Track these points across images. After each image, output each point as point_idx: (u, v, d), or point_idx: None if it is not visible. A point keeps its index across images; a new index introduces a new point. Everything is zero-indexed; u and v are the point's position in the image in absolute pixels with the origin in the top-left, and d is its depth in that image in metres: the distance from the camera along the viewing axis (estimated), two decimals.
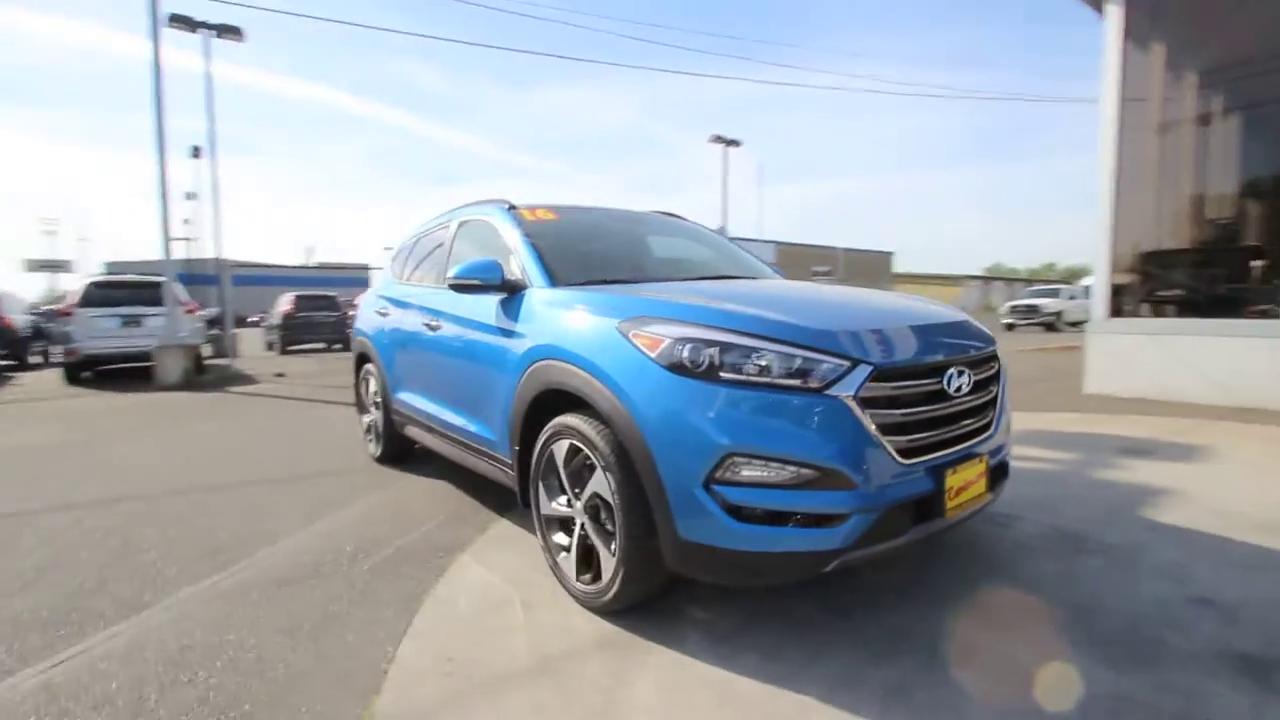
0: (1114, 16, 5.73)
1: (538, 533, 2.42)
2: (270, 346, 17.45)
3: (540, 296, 2.50)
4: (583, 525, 2.17)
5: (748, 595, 2.20)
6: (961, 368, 2.04)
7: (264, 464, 4.42)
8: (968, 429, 2.07)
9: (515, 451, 2.51)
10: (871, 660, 1.81)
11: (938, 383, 1.96)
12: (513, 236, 2.86)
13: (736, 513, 1.74)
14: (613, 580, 2.01)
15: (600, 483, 2.03)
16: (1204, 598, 2.09)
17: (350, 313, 20.23)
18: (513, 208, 3.10)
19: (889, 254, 56.24)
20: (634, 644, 1.95)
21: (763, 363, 1.78)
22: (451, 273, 2.72)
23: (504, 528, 3.00)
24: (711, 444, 1.75)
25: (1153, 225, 6.40)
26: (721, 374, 1.80)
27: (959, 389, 2.01)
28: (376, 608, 2.25)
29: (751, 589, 2.22)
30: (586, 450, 2.07)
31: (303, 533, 3.00)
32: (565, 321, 2.28)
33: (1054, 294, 23.67)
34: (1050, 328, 21.34)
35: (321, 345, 17.12)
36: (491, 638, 2.02)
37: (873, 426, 1.78)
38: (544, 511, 2.37)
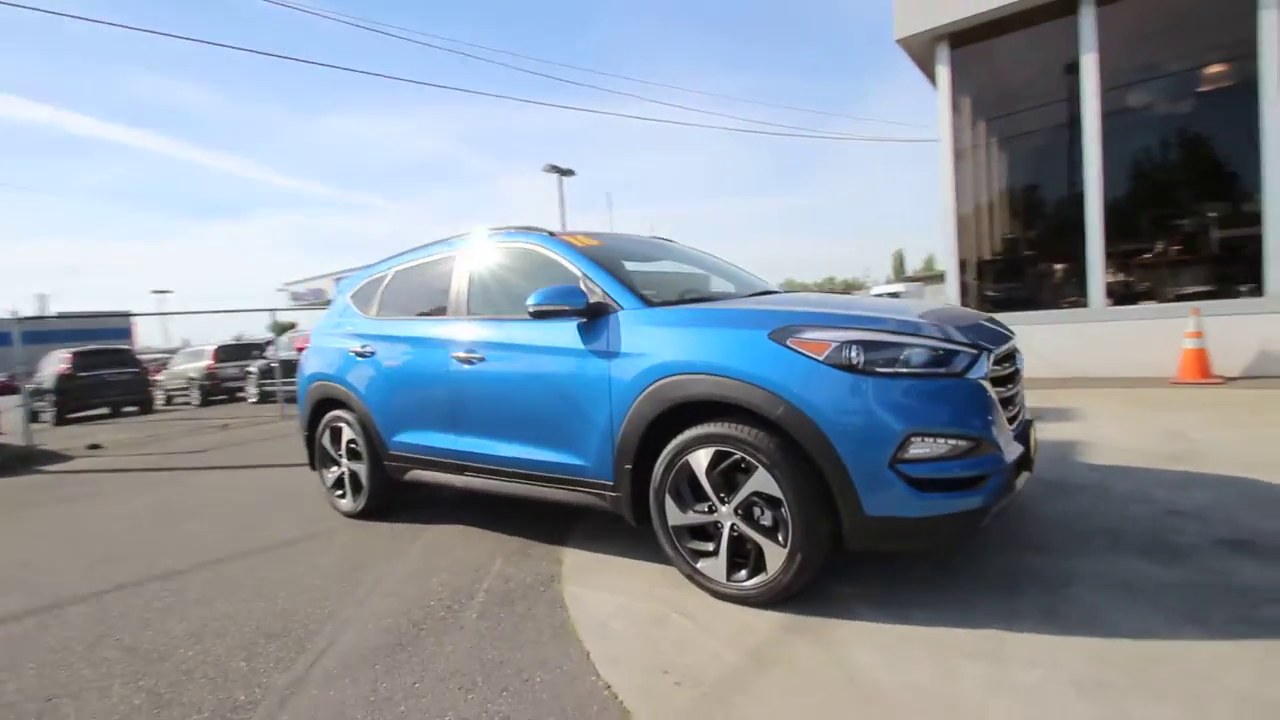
0: (943, 79, 7.15)
1: (667, 545, 2.48)
2: (35, 416, 14.12)
3: (640, 317, 2.59)
4: (733, 527, 2.31)
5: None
6: (1015, 352, 2.56)
7: (205, 542, 3.74)
8: (1021, 400, 2.59)
9: (627, 471, 2.54)
10: (1007, 594, 2.20)
11: (1013, 364, 2.45)
12: (575, 262, 2.90)
13: (916, 485, 2.03)
14: (786, 569, 2.18)
15: (763, 481, 2.19)
16: (1174, 509, 2.82)
17: (151, 369, 17.29)
18: (553, 234, 3.12)
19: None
20: (817, 624, 2.13)
21: (916, 357, 2.11)
22: (532, 301, 2.69)
23: (579, 556, 2.96)
24: (893, 428, 2.03)
25: (983, 239, 8.03)
26: (885, 369, 2.08)
27: (1019, 368, 2.52)
28: (534, 647, 2.16)
29: (909, 552, 2.55)
30: (741, 453, 2.23)
31: (360, 603, 2.68)
32: (694, 337, 2.41)
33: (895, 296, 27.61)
34: None
35: (106, 410, 14.31)
36: (682, 648, 2.07)
37: (998, 401, 2.19)
38: (673, 523, 2.45)
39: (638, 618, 2.31)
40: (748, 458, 2.22)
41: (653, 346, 2.49)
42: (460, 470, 3.26)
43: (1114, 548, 2.49)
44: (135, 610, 2.75)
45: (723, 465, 2.31)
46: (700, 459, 2.34)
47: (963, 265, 7.43)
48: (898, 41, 7.15)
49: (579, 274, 2.84)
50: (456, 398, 3.19)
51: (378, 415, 3.60)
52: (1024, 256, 7.94)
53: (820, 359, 2.12)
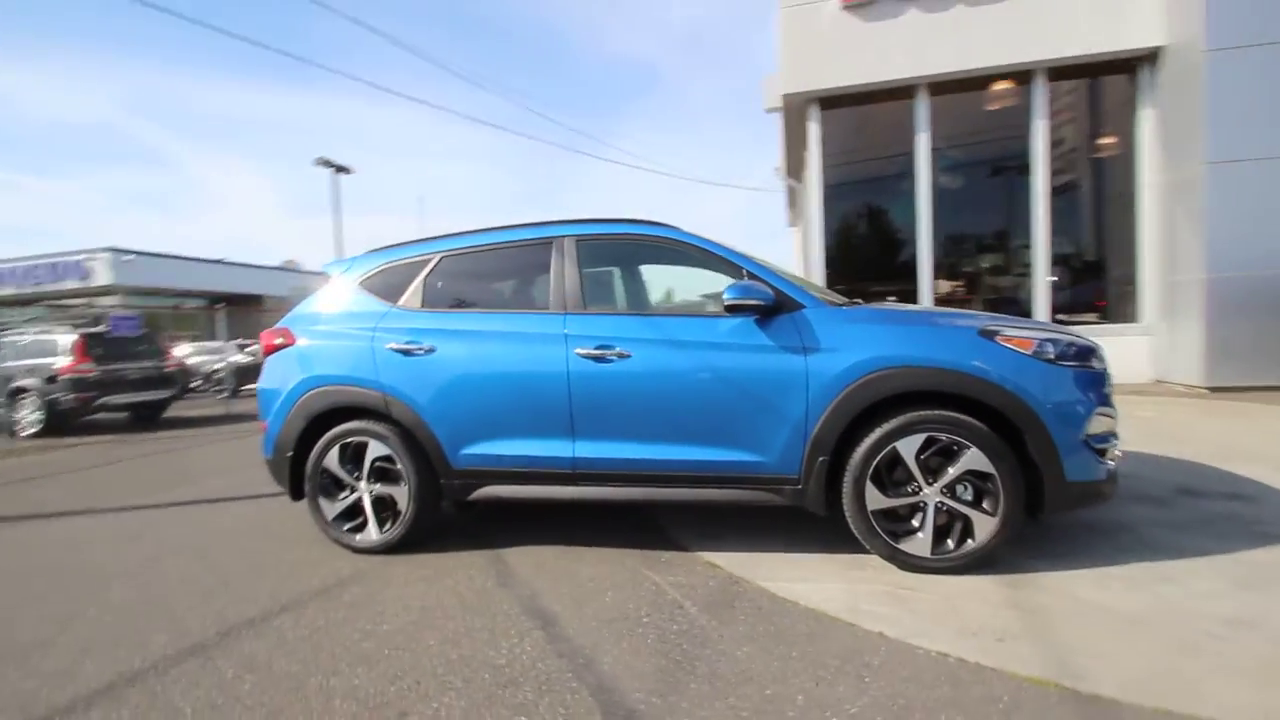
0: (814, 133, 8.40)
1: (863, 530, 2.62)
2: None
3: (832, 314, 2.71)
4: (939, 504, 2.56)
5: None
6: None
7: (229, 597, 2.70)
8: None
9: (822, 463, 2.63)
10: (1115, 553, 2.82)
11: None
12: (735, 260, 2.89)
13: (1099, 454, 2.53)
14: (996, 535, 2.49)
15: (975, 459, 2.49)
16: (1184, 487, 3.83)
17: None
18: (686, 230, 3.05)
19: None
20: (1023, 579, 2.49)
21: (1083, 352, 2.62)
22: (729, 296, 2.65)
23: (724, 557, 2.89)
24: (1088, 408, 2.50)
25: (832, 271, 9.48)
26: (1069, 361, 2.56)
27: None
28: (822, 640, 2.13)
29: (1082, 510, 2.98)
30: (953, 436, 2.50)
31: (584, 637, 2.28)
32: (903, 335, 2.62)
33: None
34: None
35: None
36: (947, 613, 2.25)
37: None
38: (874, 508, 2.60)
39: (873, 598, 2.41)
40: (960, 440, 2.50)
41: (854, 342, 2.63)
42: (569, 480, 2.94)
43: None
44: None
45: (932, 449, 2.55)
46: (910, 445, 2.55)
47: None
48: (783, 96, 8.23)
49: (744, 271, 2.85)
50: (583, 398, 2.88)
51: (438, 424, 3.03)
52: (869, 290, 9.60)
53: (1028, 353, 2.52)
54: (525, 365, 2.96)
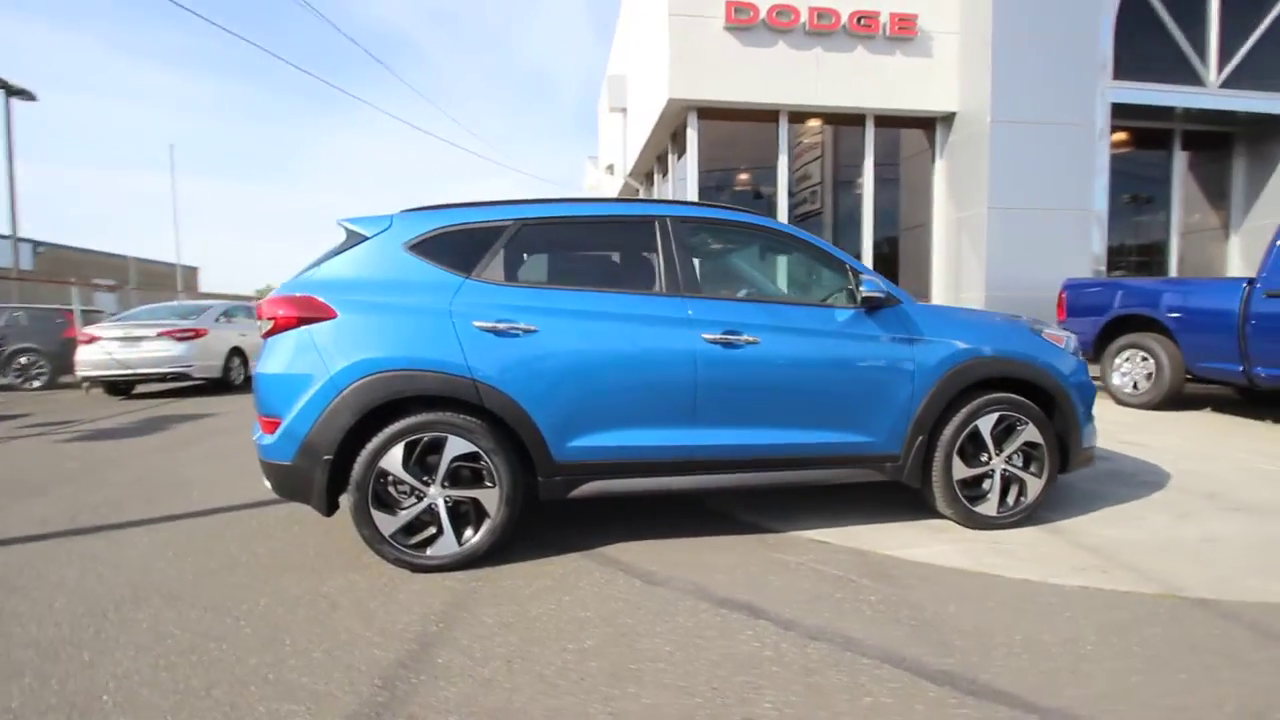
0: (692, 139, 8.87)
1: (945, 498, 3.04)
2: None
3: (924, 309, 3.09)
4: (1004, 471, 3.09)
5: None
6: None
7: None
8: None
9: (921, 442, 2.99)
10: (1086, 503, 3.68)
11: None
12: (836, 254, 3.09)
13: (1093, 425, 3.30)
14: (1042, 493, 3.12)
15: (1031, 433, 3.08)
16: None
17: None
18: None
19: (194, 268, 49.28)
20: (1060, 527, 3.15)
21: (1081, 346, 3.39)
22: (867, 289, 2.89)
23: (811, 535, 3.09)
24: (1093, 390, 3.26)
25: None
26: (1078, 354, 3.30)
27: None
28: (1009, 605, 2.47)
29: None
30: (1017, 415, 3.06)
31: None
32: (978, 329, 3.09)
33: None
34: None
35: None
36: (1047, 559, 2.77)
37: None
38: (958, 478, 3.05)
39: (979, 553, 2.83)
40: (1021, 417, 3.07)
41: (947, 334, 3.04)
42: (685, 469, 2.86)
43: None
44: None
45: (1001, 425, 3.07)
46: (986, 423, 3.04)
47: None
48: (668, 100, 8.55)
49: (848, 267, 3.06)
50: (710, 384, 2.81)
51: (542, 414, 2.68)
52: None
53: (1061, 347, 3.19)
54: (648, 349, 2.79)
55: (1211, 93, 8.81)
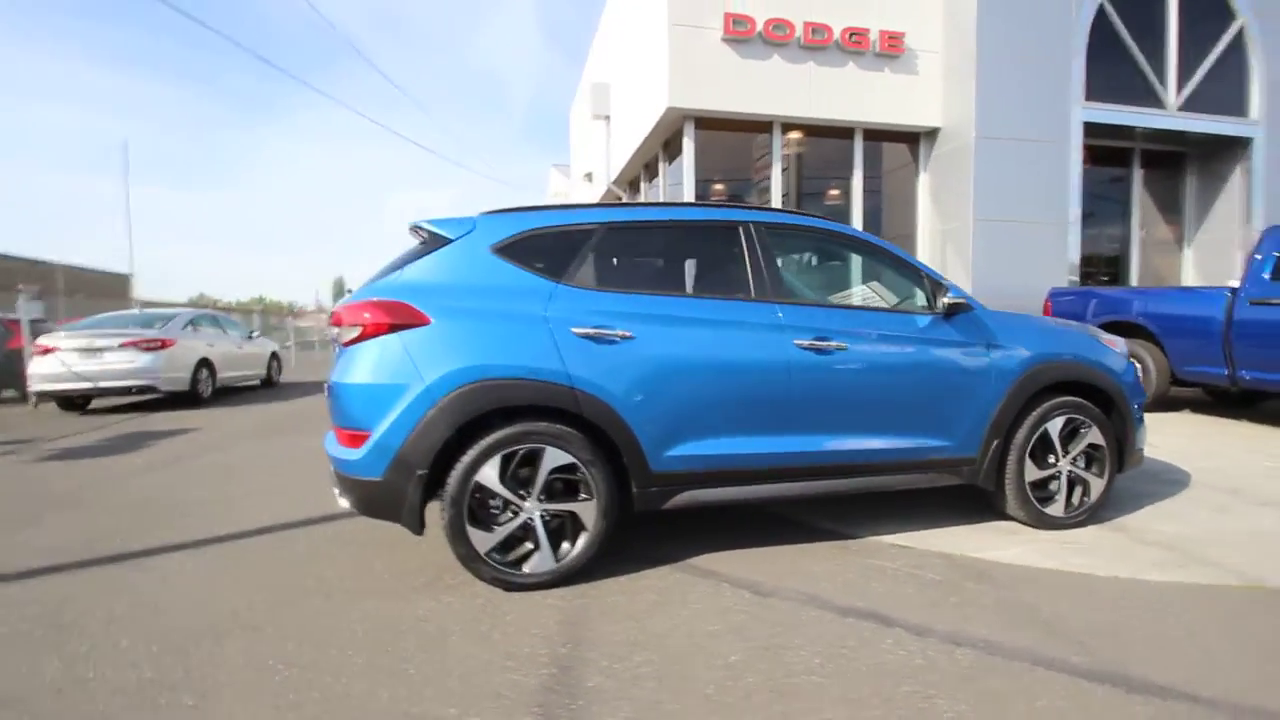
0: (689, 147, 8.91)
1: (1017, 499, 3.10)
2: None
3: (996, 315, 3.15)
4: (1070, 473, 3.18)
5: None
6: None
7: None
8: None
9: (996, 445, 3.05)
10: (1126, 503, 3.82)
11: None
12: (913, 262, 3.14)
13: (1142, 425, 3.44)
14: (1105, 494, 3.22)
15: (1094, 435, 3.18)
16: None
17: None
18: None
19: (126, 276, 46.38)
20: (1118, 524, 3.25)
21: (1131, 351, 3.52)
22: (954, 295, 2.98)
23: (892, 540, 3.11)
24: (1144, 395, 3.39)
25: None
26: (1130, 358, 3.43)
27: None
28: (1082, 583, 2.53)
29: None
30: (1081, 418, 3.16)
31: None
32: (1043, 335, 3.19)
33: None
34: None
35: None
36: (1124, 554, 2.85)
37: None
38: (1030, 479, 3.12)
39: (1055, 553, 2.88)
40: (1086, 420, 3.17)
41: (1019, 340, 3.12)
42: (776, 477, 2.83)
43: None
44: None
45: (1068, 428, 3.16)
46: (1055, 426, 3.13)
47: None
48: (667, 108, 8.57)
49: (924, 275, 3.11)
50: (802, 390, 2.80)
51: (640, 423, 2.61)
52: None
53: (1118, 350, 3.31)
54: (744, 356, 2.75)
55: (1171, 114, 9.44)
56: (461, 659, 2.05)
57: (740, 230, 2.95)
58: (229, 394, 10.35)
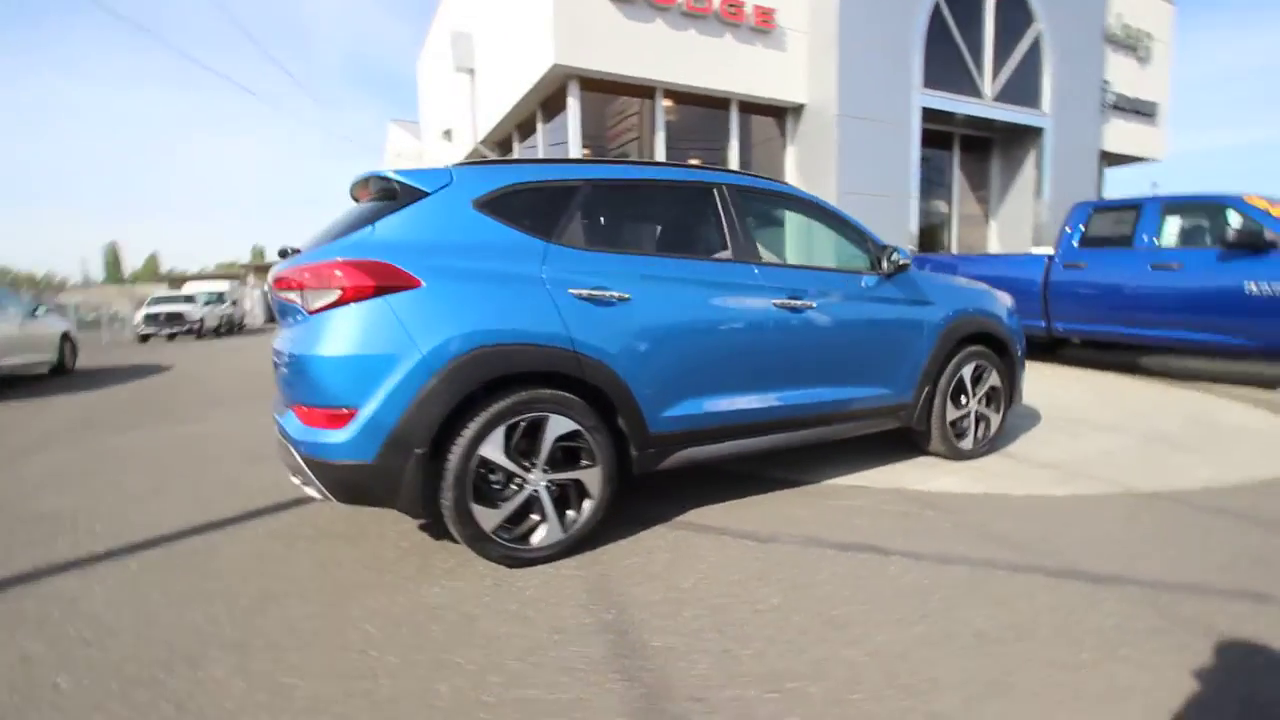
0: (574, 107, 8.63)
1: (940, 436, 3.55)
2: None
3: (922, 275, 3.51)
4: (978, 412, 3.69)
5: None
6: None
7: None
8: None
9: (928, 391, 3.45)
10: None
11: None
12: (862, 229, 3.37)
13: None
14: (999, 428, 3.79)
15: (995, 378, 3.72)
16: None
17: None
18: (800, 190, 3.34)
19: None
20: (1008, 454, 3.85)
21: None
22: (903, 256, 3.24)
23: (857, 479, 3.41)
24: (1023, 338, 4.01)
25: None
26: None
27: None
28: (1019, 507, 2.99)
29: None
30: (985, 364, 3.67)
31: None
32: (962, 291, 3.61)
33: (191, 299, 22.47)
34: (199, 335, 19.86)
35: None
36: (1029, 481, 3.40)
37: None
38: (950, 419, 3.57)
39: (981, 479, 3.37)
40: (989, 365, 3.68)
41: (944, 296, 3.52)
42: (760, 431, 2.97)
43: None
44: None
45: (976, 373, 3.65)
46: (968, 371, 3.60)
47: None
48: (554, 65, 8.20)
49: (868, 239, 3.37)
50: (780, 348, 2.94)
51: (639, 385, 2.59)
52: None
53: (1009, 305, 3.87)
54: (733, 315, 2.83)
55: (987, 104, 10.96)
56: (506, 641, 1.94)
57: (715, 191, 2.98)
58: (8, 385, 8.37)
